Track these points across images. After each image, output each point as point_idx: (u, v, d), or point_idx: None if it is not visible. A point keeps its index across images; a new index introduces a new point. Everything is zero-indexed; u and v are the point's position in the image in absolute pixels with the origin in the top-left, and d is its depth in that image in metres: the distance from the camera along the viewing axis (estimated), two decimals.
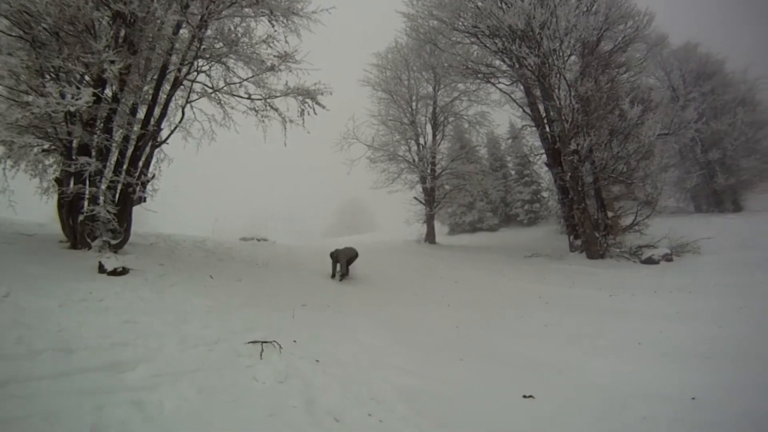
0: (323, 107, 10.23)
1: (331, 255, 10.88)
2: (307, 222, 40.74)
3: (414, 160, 17.48)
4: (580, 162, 14.29)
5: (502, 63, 15.91)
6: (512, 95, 16.86)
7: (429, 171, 17.30)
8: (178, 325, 4.78)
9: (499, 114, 18.10)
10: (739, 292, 9.25)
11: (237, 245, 12.72)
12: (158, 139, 9.42)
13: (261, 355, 4.24)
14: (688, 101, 22.79)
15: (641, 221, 14.63)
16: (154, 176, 9.37)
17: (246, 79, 10.12)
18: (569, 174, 14.29)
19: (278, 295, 7.65)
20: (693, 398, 4.10)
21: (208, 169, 41.47)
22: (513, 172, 24.34)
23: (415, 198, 17.74)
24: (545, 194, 21.86)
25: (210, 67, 10.03)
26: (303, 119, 10.15)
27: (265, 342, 4.45)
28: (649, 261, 13.76)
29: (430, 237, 17.11)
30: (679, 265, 13.56)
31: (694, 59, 24.40)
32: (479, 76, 16.07)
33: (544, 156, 16.16)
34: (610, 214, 14.57)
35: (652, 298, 9.66)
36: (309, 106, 10.13)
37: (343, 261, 10.72)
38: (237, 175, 55.74)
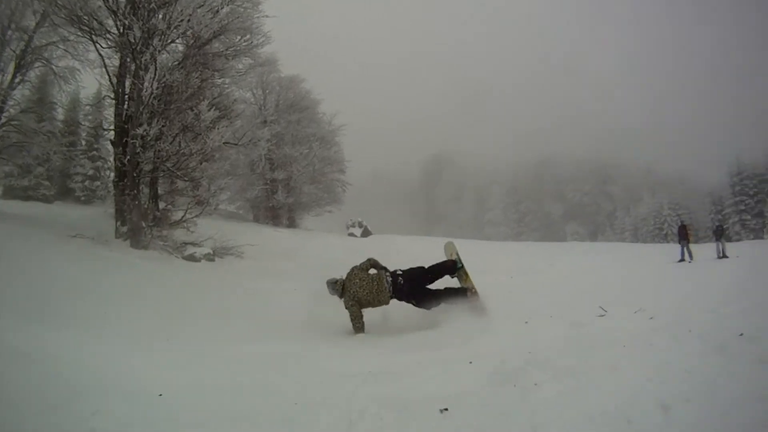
0: None
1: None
2: None
3: None
4: (143, 149, 13.67)
5: (111, 23, 13.73)
6: (108, 60, 14.40)
7: None
8: None
9: (89, 76, 15.22)
10: (271, 295, 10.30)
11: None
12: None
13: None
14: (271, 122, 25.95)
15: (190, 219, 15.18)
16: None
17: None
18: (128, 158, 13.47)
19: None
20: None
21: None
22: (84, 143, 21.36)
23: None
24: (109, 173, 20.00)
25: None
26: None
27: None
28: (191, 258, 14.24)
29: None
30: (218, 265, 14.63)
31: (294, 90, 27.63)
32: (83, 27, 13.40)
33: (113, 133, 14.68)
34: (162, 205, 14.52)
35: (180, 291, 9.97)
36: None
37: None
38: None
